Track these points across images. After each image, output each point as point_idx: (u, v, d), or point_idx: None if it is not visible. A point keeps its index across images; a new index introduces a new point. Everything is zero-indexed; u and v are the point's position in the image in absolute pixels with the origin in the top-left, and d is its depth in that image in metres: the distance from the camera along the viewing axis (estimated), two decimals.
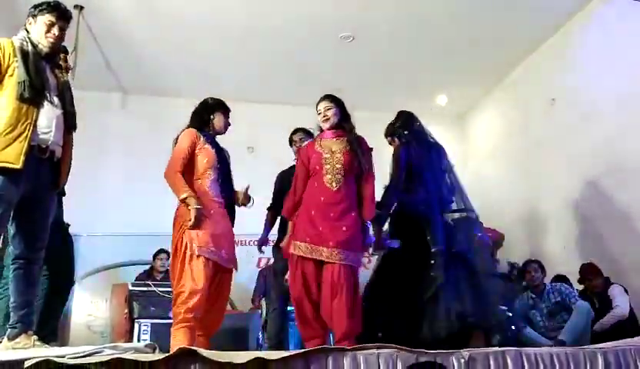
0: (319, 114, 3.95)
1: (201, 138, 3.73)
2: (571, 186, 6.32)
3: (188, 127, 3.80)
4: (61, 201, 3.79)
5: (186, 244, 3.49)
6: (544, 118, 6.89)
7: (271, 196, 4.88)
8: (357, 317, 3.64)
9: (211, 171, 3.69)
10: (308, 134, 4.69)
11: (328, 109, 3.92)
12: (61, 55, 3.64)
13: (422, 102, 8.29)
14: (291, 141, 4.92)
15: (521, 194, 7.28)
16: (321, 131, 4.00)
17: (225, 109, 3.93)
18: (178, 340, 3.31)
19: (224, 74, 7.22)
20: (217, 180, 3.71)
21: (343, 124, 3.93)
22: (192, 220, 3.45)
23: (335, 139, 3.89)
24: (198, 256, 3.47)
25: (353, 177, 3.83)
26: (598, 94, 6.02)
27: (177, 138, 3.77)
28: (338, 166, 3.78)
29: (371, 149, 3.97)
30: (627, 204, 5.58)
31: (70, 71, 3.83)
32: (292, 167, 4.37)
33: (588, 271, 5.42)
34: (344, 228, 3.68)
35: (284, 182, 4.57)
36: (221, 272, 3.68)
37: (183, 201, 3.51)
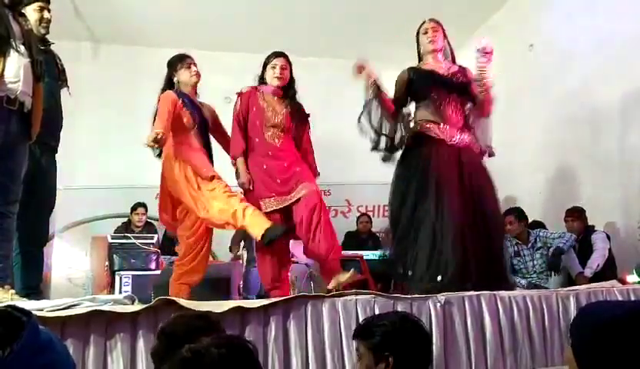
0: (274, 68, 3.88)
1: (179, 101, 3.80)
2: (548, 131, 6.33)
3: (163, 90, 3.86)
4: (54, 160, 3.68)
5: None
6: (522, 63, 6.86)
7: None
8: None
9: (193, 129, 3.83)
10: None
11: (285, 69, 3.89)
12: (38, 5, 3.52)
13: (400, 50, 8.19)
14: None
15: (498, 139, 7.25)
16: (262, 83, 3.95)
17: (184, 60, 3.91)
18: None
19: (199, 22, 7.01)
20: (199, 133, 3.86)
21: (288, 89, 3.93)
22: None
23: (276, 98, 3.88)
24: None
25: (291, 137, 3.89)
26: (575, 38, 5.97)
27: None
28: (281, 126, 3.82)
29: (308, 115, 4.02)
30: (604, 149, 5.62)
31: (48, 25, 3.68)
32: None
33: (569, 213, 5.47)
34: (298, 169, 3.77)
35: None
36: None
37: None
